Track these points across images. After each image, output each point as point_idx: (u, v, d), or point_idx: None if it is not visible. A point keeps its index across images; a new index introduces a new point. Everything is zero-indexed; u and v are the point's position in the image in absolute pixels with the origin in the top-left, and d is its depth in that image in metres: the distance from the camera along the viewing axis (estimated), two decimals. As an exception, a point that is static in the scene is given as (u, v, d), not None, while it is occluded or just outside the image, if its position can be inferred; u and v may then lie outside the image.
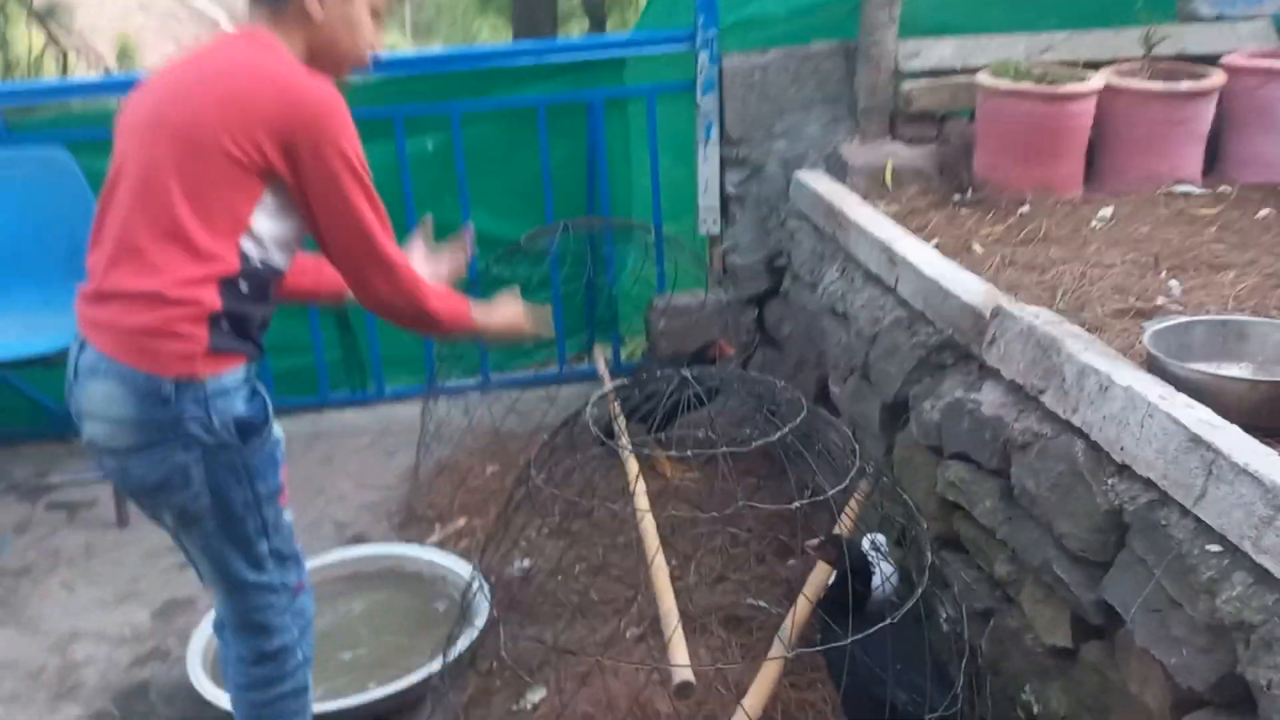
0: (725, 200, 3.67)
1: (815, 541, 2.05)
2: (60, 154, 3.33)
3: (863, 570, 1.99)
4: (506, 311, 2.05)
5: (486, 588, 2.46)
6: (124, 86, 3.68)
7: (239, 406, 1.70)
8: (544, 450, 2.13)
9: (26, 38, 10.41)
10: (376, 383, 3.89)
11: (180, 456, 1.66)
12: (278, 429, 1.83)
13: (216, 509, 1.72)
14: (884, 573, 2.15)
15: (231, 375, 1.69)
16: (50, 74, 9.38)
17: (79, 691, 2.53)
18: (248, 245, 1.67)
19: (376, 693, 2.29)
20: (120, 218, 1.64)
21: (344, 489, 3.36)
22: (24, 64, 9.41)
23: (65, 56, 9.25)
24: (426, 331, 1.98)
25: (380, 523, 3.16)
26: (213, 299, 1.64)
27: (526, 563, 2.83)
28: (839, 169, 3.33)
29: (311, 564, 2.77)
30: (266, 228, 1.68)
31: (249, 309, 1.70)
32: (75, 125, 3.67)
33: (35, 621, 2.80)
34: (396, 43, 17.92)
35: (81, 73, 10.18)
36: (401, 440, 3.54)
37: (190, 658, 2.43)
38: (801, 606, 1.98)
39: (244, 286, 1.68)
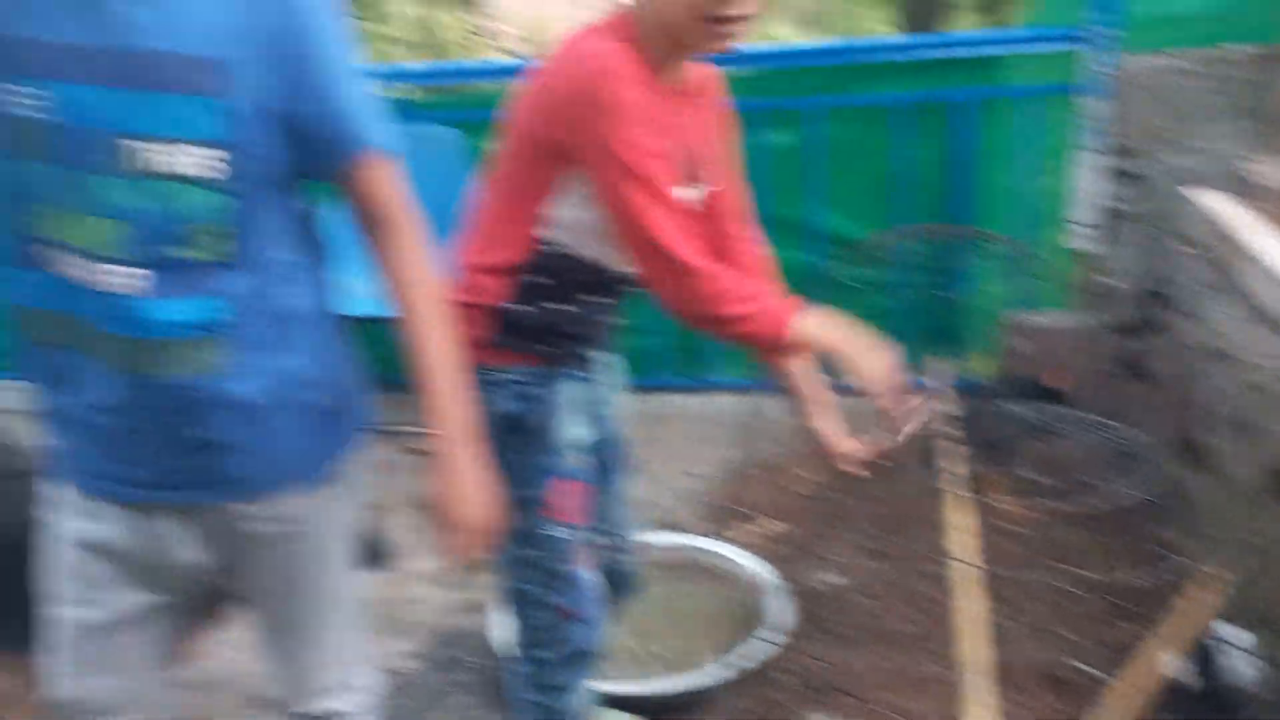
0: (1103, 216, 3.33)
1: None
2: (450, 133, 3.63)
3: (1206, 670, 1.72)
4: (868, 347, 1.57)
5: (790, 597, 2.39)
6: (509, 72, 3.94)
7: (505, 403, 1.65)
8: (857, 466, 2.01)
9: (453, 21, 11.49)
10: (711, 370, 3.92)
11: None
12: (568, 440, 1.72)
13: None
14: (1237, 670, 1.85)
15: (515, 370, 1.66)
16: (472, 56, 10.32)
17: (407, 627, 2.75)
18: (547, 233, 1.61)
19: (658, 685, 2.29)
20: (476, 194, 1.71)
21: (663, 473, 3.41)
22: (448, 46, 10.43)
23: (484, 40, 10.15)
24: (725, 336, 1.61)
25: (693, 512, 3.18)
26: (500, 291, 1.63)
27: (835, 577, 2.73)
28: (1243, 190, 2.90)
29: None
30: (567, 214, 1.59)
31: (550, 306, 1.64)
32: (473, 106, 3.98)
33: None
34: (783, 34, 18.04)
35: (495, 55, 11.09)
36: (728, 431, 3.54)
37: (497, 617, 2.54)
38: (1123, 697, 1.75)
39: (542, 279, 1.63)
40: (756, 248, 1.86)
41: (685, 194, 1.60)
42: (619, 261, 1.64)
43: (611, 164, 1.48)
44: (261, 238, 1.31)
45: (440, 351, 1.39)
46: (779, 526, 3.01)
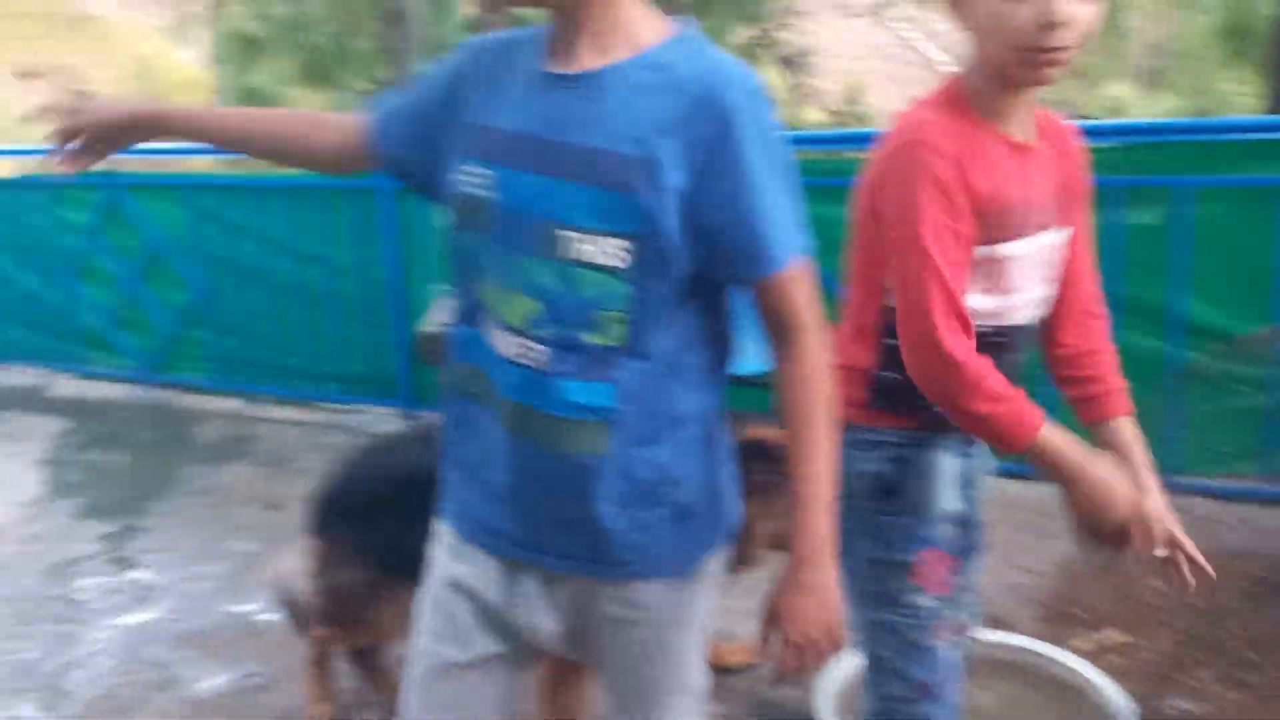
0: None
1: None
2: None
3: None
4: (1107, 474, 1.57)
5: (1138, 722, 2.21)
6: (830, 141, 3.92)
7: (877, 464, 1.66)
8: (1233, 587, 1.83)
9: (775, 78, 11.72)
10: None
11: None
12: (943, 509, 1.69)
13: (845, 548, 1.63)
14: None
15: (891, 432, 1.67)
16: (792, 115, 10.47)
17: (720, 691, 2.75)
18: (891, 300, 1.63)
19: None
20: None
21: (991, 563, 3.24)
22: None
23: (804, 97, 10.29)
24: (964, 427, 1.60)
25: (1022, 610, 3.01)
26: (865, 357, 1.66)
27: (1189, 704, 2.49)
28: None
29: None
30: None
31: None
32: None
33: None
34: (1121, 94, 17.00)
35: (815, 114, 11.19)
36: (1062, 524, 3.32)
37: (821, 688, 2.50)
38: None
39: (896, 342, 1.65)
40: (1102, 319, 1.79)
41: (1019, 247, 1.59)
42: (978, 317, 1.62)
43: (912, 245, 1.51)
44: (658, 332, 1.35)
45: (818, 459, 1.37)
46: (1120, 637, 2.79)
